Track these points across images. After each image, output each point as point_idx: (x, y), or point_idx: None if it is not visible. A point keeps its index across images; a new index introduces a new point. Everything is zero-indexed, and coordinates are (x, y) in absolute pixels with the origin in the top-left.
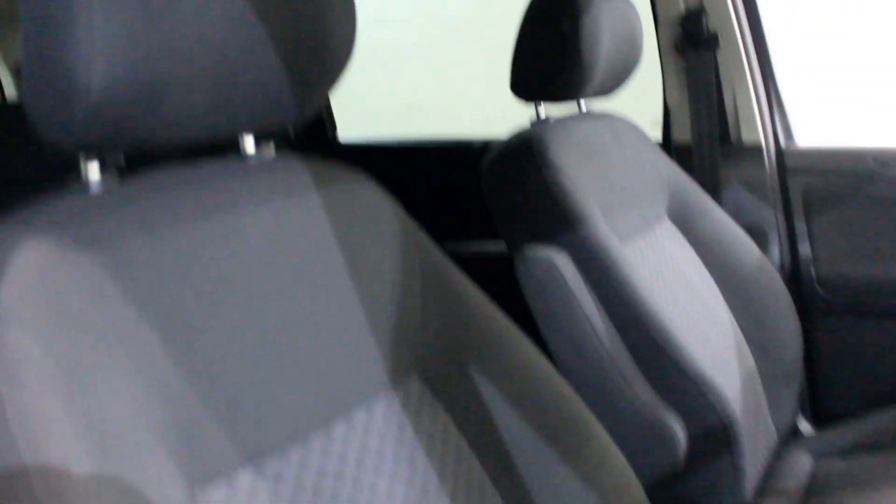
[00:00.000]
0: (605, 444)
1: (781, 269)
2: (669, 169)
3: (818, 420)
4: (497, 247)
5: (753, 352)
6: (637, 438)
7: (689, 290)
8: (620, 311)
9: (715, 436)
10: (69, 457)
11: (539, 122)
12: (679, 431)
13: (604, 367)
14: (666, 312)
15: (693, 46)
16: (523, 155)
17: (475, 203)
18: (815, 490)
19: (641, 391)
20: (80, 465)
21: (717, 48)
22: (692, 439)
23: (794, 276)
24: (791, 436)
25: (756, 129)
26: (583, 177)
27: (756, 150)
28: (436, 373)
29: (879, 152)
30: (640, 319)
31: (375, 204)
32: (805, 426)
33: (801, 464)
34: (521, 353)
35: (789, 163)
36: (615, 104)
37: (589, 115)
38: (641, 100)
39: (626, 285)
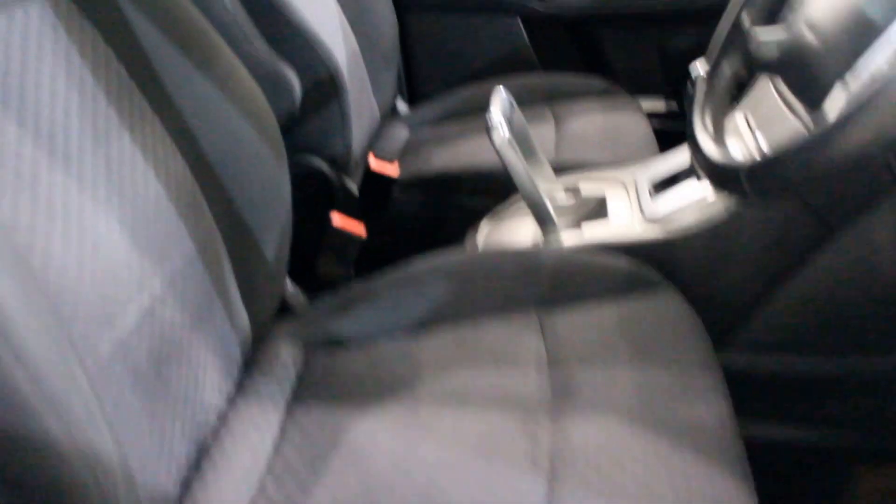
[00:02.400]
0: (233, 62)
1: None
2: None
3: (412, 100)
4: None
5: (357, 37)
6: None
7: None
8: None
9: (324, 84)
10: None
11: None
12: (294, 81)
13: (225, 25)
14: None
15: None
16: None
17: None
18: (410, 150)
19: (259, 46)
20: None
21: None
22: (306, 89)
23: None
24: (391, 113)
25: None
26: None
27: None
28: None
29: None
30: None
31: None
32: (402, 105)
33: (399, 133)
34: None
35: None
36: None
37: None
38: None
39: None
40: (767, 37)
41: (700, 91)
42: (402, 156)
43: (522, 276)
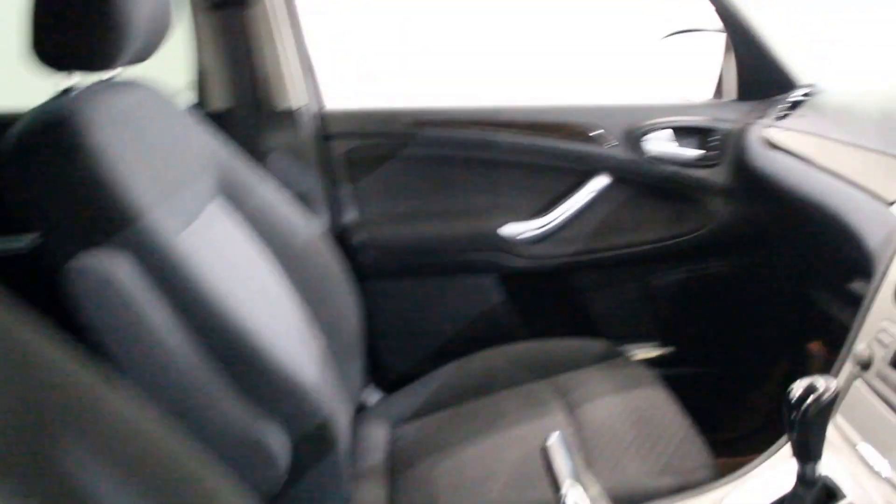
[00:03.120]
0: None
1: (331, 235)
2: (213, 142)
3: (385, 387)
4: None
5: (319, 329)
6: (236, 459)
7: (253, 273)
8: (194, 314)
9: (317, 438)
10: None
11: (65, 94)
12: (280, 443)
13: (186, 383)
14: (240, 306)
15: (223, 5)
16: (52, 139)
17: None
18: (397, 459)
19: (233, 404)
20: None
21: (248, 8)
22: (295, 446)
23: (343, 242)
24: (362, 407)
25: (292, 93)
26: (126, 160)
27: (294, 115)
28: (9, 461)
29: (411, 112)
30: (216, 322)
31: None
32: (373, 395)
33: (377, 436)
34: (111, 412)
35: (329, 127)
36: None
37: (120, 85)
38: (167, 62)
39: (196, 284)
40: None
41: None
42: (390, 472)
43: None
